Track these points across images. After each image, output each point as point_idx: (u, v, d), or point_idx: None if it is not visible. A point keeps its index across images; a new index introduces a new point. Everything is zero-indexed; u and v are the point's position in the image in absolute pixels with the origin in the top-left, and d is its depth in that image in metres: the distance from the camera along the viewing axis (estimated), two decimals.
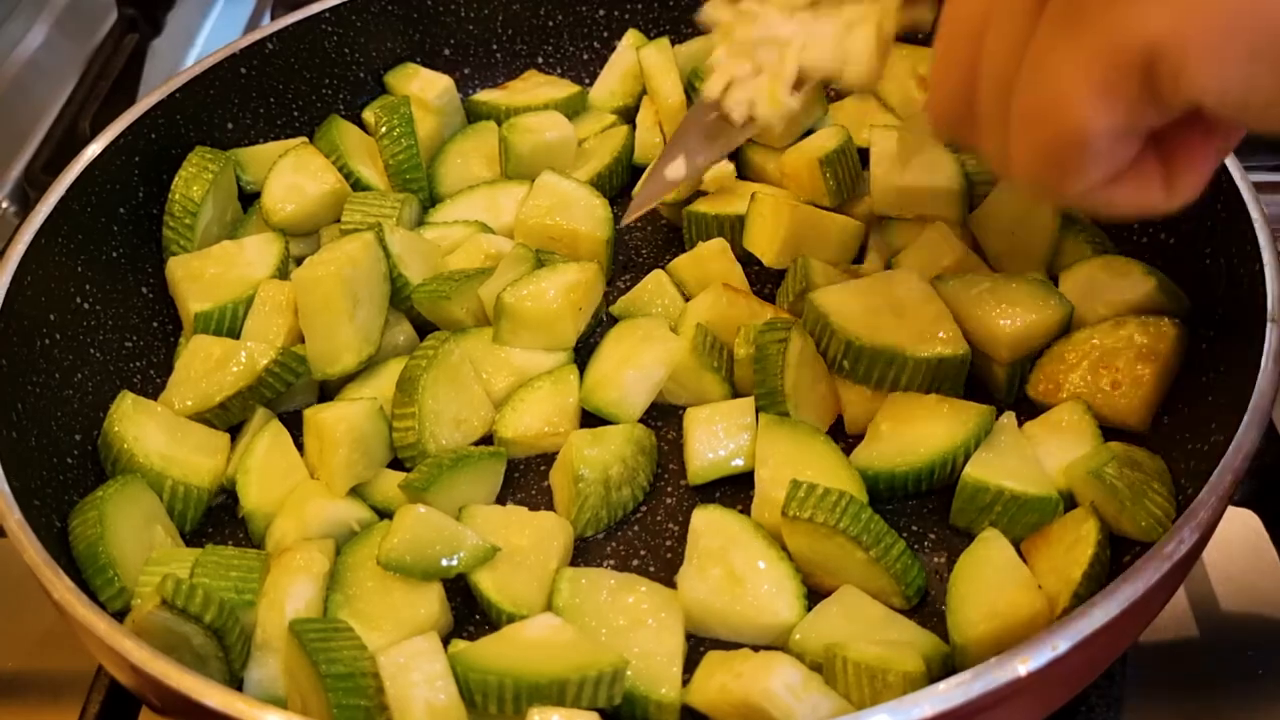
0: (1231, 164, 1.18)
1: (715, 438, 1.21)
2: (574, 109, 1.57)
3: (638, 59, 1.58)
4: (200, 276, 1.34)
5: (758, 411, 1.21)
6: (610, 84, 1.61)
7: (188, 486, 1.19)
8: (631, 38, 1.62)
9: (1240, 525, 1.18)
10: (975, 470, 1.12)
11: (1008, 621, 1.02)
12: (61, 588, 0.97)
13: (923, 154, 1.32)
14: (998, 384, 1.25)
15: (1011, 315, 1.22)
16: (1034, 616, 1.02)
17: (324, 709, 0.95)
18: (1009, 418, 1.18)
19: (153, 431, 1.21)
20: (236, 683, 1.05)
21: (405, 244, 1.32)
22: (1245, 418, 1.00)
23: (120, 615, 1.07)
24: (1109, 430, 1.18)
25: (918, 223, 1.36)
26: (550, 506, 1.21)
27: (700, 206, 1.43)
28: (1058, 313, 1.23)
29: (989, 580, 1.06)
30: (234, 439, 1.26)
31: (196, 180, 1.38)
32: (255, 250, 1.37)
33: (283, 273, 1.37)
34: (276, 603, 1.07)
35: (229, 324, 1.32)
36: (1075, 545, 1.06)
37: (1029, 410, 1.23)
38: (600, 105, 1.61)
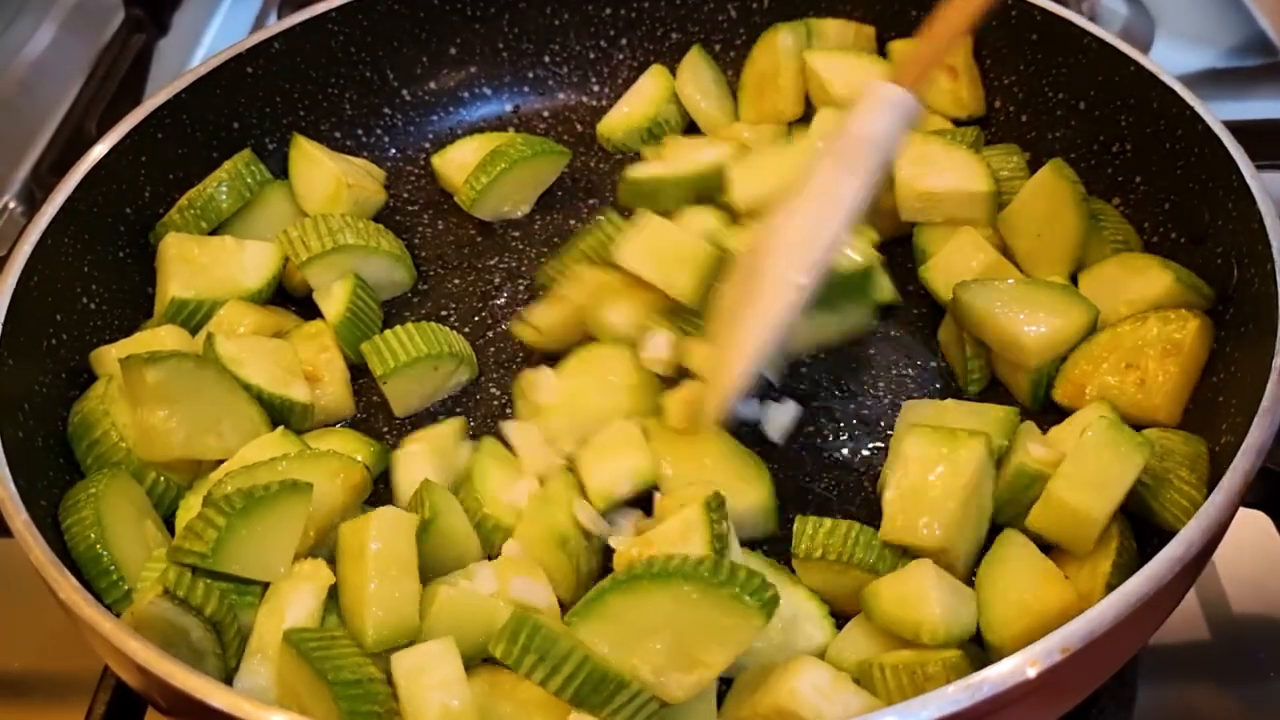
0: (1243, 163, 1.17)
1: (610, 465, 1.16)
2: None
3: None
4: (190, 260, 1.32)
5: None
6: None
7: (169, 480, 1.18)
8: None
9: (1251, 527, 1.17)
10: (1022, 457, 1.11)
11: (1040, 617, 1.01)
12: (68, 588, 0.97)
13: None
14: (1022, 391, 1.24)
15: (1037, 321, 1.20)
16: (1065, 608, 1.01)
17: (328, 718, 0.94)
18: (1029, 427, 1.18)
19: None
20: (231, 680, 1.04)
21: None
22: (1256, 419, 0.99)
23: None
24: (1139, 427, 1.16)
25: (947, 227, 1.35)
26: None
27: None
28: (1083, 317, 1.22)
29: (1015, 578, 1.05)
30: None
31: (231, 193, 1.37)
32: (253, 257, 1.36)
33: (271, 288, 1.36)
34: (276, 610, 1.05)
35: (197, 320, 1.31)
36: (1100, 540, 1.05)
37: (1056, 415, 1.22)
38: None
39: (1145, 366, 1.17)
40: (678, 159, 1.45)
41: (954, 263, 1.31)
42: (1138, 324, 1.20)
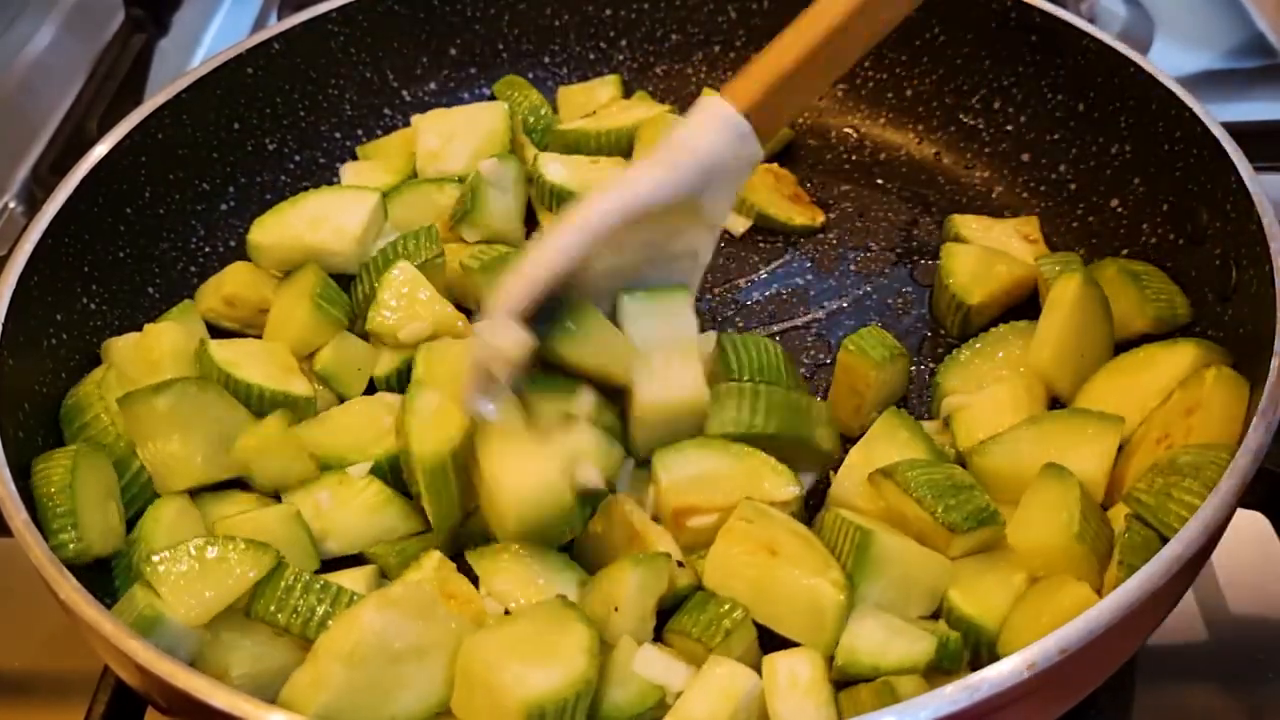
0: (1242, 165, 1.17)
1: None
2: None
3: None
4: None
5: None
6: None
7: (147, 479, 1.17)
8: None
9: (1249, 528, 1.17)
10: None
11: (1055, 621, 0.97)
12: (68, 588, 0.97)
13: None
14: None
15: (1069, 461, 1.10)
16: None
17: None
18: None
19: None
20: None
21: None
22: (1254, 420, 0.99)
23: (70, 565, 1.03)
24: None
25: (980, 376, 1.28)
26: None
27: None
28: (1114, 435, 1.13)
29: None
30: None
31: None
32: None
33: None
34: None
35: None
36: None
37: None
38: None
39: (1173, 434, 1.11)
40: (604, 117, 1.53)
41: (979, 275, 1.31)
42: (1163, 406, 1.14)
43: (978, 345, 1.28)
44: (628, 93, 1.63)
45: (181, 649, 1.02)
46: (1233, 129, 1.21)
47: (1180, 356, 1.17)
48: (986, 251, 1.34)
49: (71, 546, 1.07)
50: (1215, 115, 1.23)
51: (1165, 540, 0.94)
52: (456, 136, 1.48)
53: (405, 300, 1.30)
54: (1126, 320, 1.24)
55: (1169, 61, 1.60)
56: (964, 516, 1.04)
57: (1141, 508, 1.03)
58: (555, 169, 1.42)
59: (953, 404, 1.23)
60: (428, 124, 1.51)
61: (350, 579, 1.11)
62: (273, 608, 1.02)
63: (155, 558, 1.03)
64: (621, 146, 1.49)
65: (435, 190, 1.44)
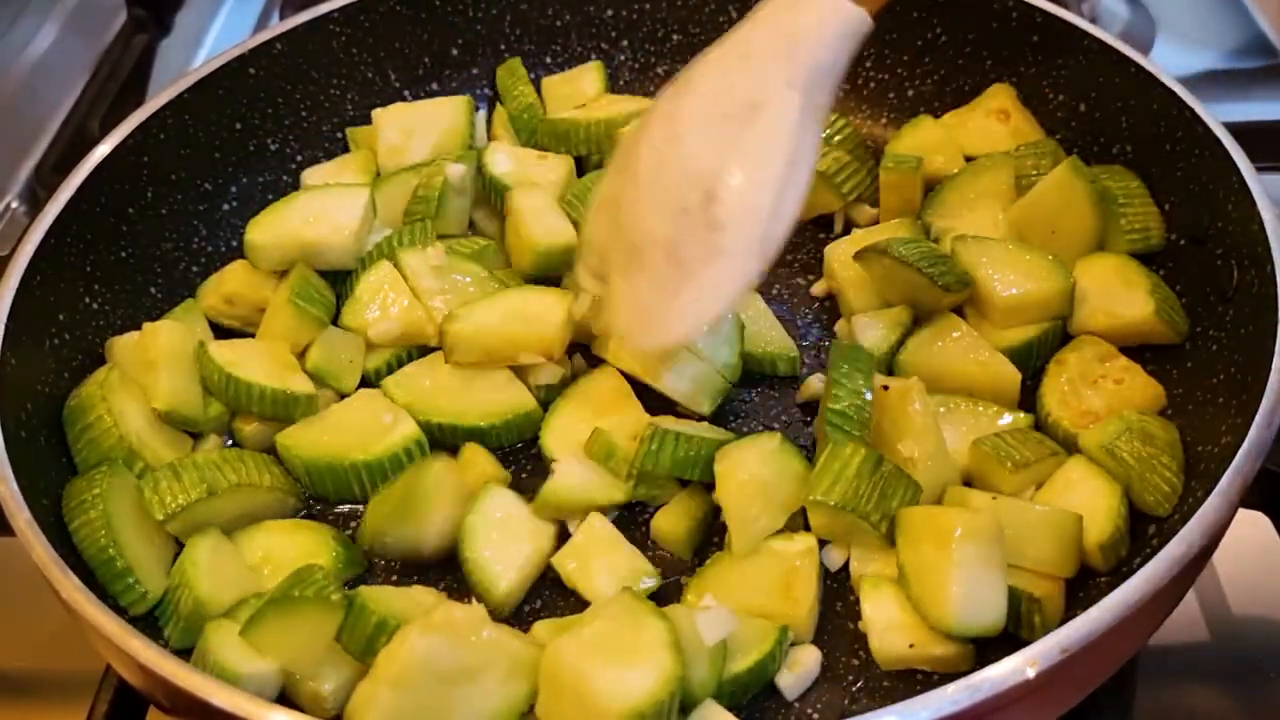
0: (1243, 165, 1.17)
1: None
2: None
3: None
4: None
5: None
6: None
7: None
8: None
9: (1251, 528, 1.17)
10: None
11: None
12: (70, 587, 0.97)
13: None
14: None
15: (1011, 283, 1.25)
16: None
17: None
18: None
19: (133, 413, 1.20)
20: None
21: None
22: (1255, 420, 0.99)
23: (143, 619, 1.08)
24: None
25: (966, 203, 1.38)
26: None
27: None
28: (1058, 285, 1.25)
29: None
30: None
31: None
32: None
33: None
34: None
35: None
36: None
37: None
38: None
39: (1112, 373, 1.21)
40: (595, 109, 1.53)
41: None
42: (1077, 346, 1.24)
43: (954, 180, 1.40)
44: (629, 93, 1.63)
45: (270, 688, 1.02)
46: (1234, 129, 1.22)
47: (1138, 303, 1.23)
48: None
49: (145, 598, 1.08)
50: (1217, 115, 1.23)
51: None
52: (417, 132, 1.48)
53: (380, 300, 1.30)
54: (1104, 242, 1.31)
55: (1170, 61, 1.60)
56: (955, 279, 1.23)
57: (1128, 469, 1.10)
58: (501, 160, 1.42)
59: (941, 228, 1.37)
60: (389, 119, 1.50)
61: (419, 592, 1.10)
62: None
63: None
64: (609, 137, 1.48)
65: (417, 179, 1.43)
